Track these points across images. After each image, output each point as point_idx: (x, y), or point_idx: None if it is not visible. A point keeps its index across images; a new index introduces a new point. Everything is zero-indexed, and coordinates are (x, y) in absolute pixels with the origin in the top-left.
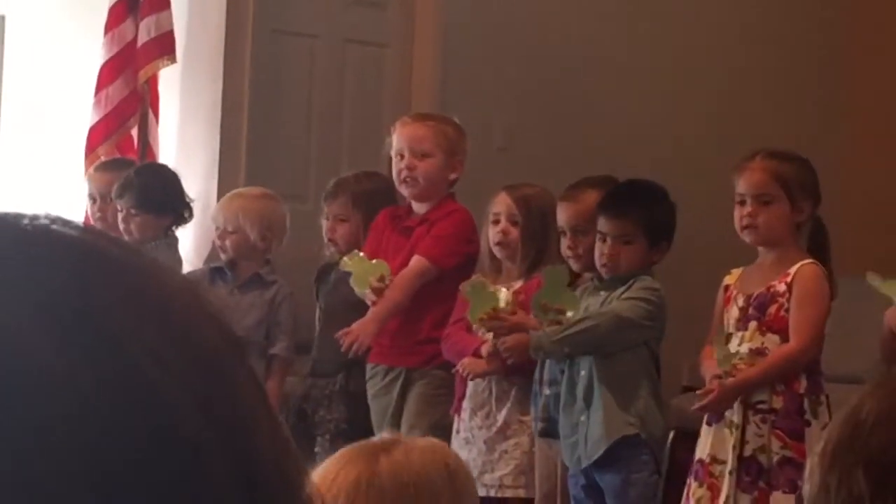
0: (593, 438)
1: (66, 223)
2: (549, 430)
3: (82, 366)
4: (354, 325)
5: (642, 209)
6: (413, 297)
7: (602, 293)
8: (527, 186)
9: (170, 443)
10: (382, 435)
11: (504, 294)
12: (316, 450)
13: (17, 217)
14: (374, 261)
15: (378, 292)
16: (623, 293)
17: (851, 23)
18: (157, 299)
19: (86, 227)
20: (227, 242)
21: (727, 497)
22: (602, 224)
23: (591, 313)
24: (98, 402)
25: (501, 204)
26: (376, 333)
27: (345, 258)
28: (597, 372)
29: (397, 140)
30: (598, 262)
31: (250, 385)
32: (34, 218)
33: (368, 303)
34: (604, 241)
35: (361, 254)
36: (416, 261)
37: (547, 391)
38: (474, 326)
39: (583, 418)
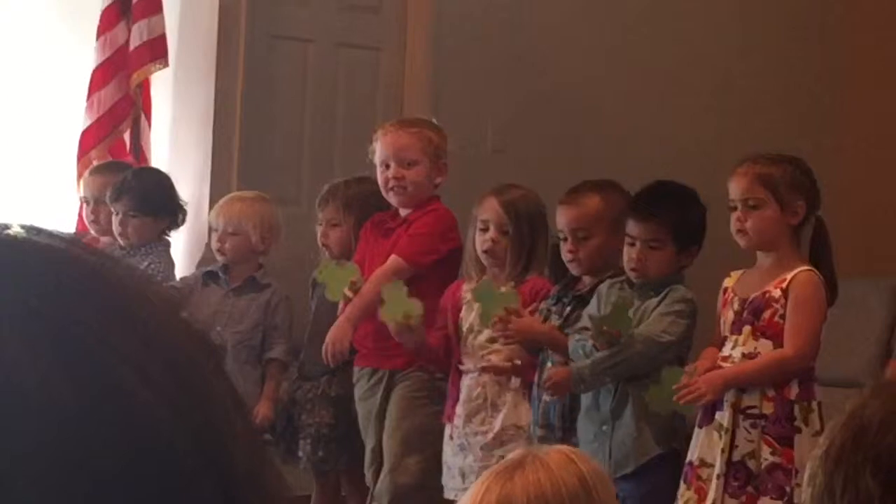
0: (621, 453)
1: (39, 231)
2: (550, 438)
3: (62, 381)
4: (329, 333)
5: (671, 213)
6: None
7: (634, 301)
8: (514, 189)
9: (152, 458)
10: (519, 450)
11: (513, 293)
12: (299, 454)
13: (3, 229)
14: (344, 266)
15: (349, 301)
16: (657, 305)
17: (850, 25)
18: (134, 310)
19: (59, 236)
20: (228, 245)
21: (713, 501)
22: (631, 227)
23: (629, 339)
24: (79, 417)
25: (490, 211)
26: (351, 333)
27: (316, 271)
28: (631, 388)
29: (381, 149)
30: (626, 267)
31: (227, 396)
32: (4, 227)
33: (339, 311)
34: (632, 244)
35: (330, 260)
36: (392, 259)
37: (547, 397)
38: (488, 329)
39: (605, 428)
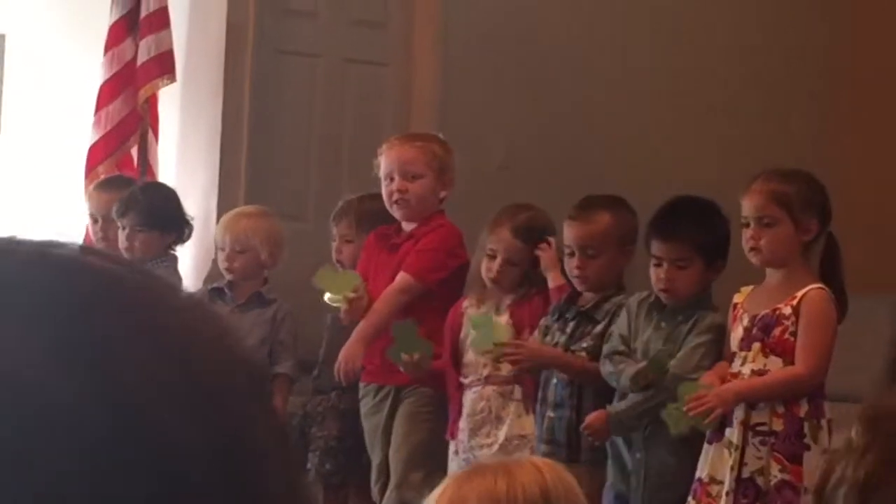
0: (662, 482)
1: (91, 250)
2: (554, 453)
3: (93, 403)
4: (342, 351)
5: (696, 230)
6: (400, 313)
7: (663, 325)
8: (523, 211)
9: (180, 485)
10: (500, 457)
11: (505, 327)
12: (307, 467)
13: (22, 243)
14: (345, 273)
15: (352, 304)
16: (687, 333)
17: (853, 36)
18: (173, 330)
19: (97, 251)
20: (237, 263)
21: None
22: (656, 248)
23: (664, 386)
24: (109, 440)
25: (501, 242)
26: (364, 352)
27: (314, 277)
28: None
29: (386, 162)
30: (654, 287)
31: (266, 422)
32: (51, 245)
33: (342, 316)
34: (659, 265)
35: (328, 267)
36: (401, 277)
37: (552, 414)
38: (475, 356)
39: (638, 456)
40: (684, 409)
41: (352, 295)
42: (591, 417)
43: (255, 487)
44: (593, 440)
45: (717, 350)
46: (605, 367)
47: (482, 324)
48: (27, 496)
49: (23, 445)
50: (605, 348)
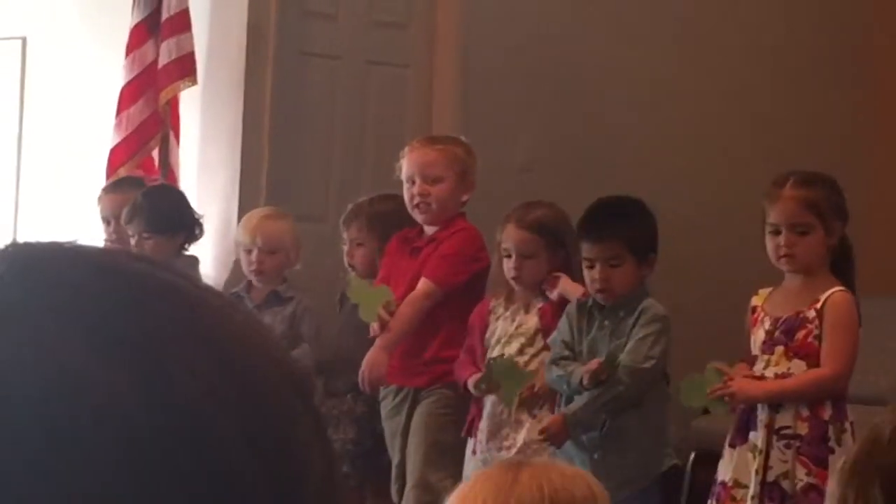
0: (620, 479)
1: (135, 256)
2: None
3: (142, 400)
4: (365, 360)
5: (624, 228)
6: (423, 318)
7: (606, 323)
8: (534, 208)
9: (226, 481)
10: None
11: (530, 373)
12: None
13: (70, 247)
14: (377, 288)
15: (384, 322)
16: (632, 327)
17: (878, 43)
18: (217, 330)
19: (142, 257)
20: (266, 264)
21: None
22: (587, 250)
23: (616, 378)
24: (157, 436)
25: (510, 239)
26: (388, 359)
27: (348, 289)
28: (625, 417)
29: (408, 165)
30: (591, 289)
31: (308, 423)
32: (100, 250)
33: (372, 332)
34: (591, 266)
35: (355, 277)
36: (423, 283)
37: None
38: (511, 409)
39: (596, 456)
40: (707, 391)
41: (386, 316)
42: (548, 422)
43: (299, 484)
44: (550, 444)
45: (665, 340)
46: (552, 373)
47: (506, 374)
48: (76, 489)
49: (72, 440)
50: (549, 357)
